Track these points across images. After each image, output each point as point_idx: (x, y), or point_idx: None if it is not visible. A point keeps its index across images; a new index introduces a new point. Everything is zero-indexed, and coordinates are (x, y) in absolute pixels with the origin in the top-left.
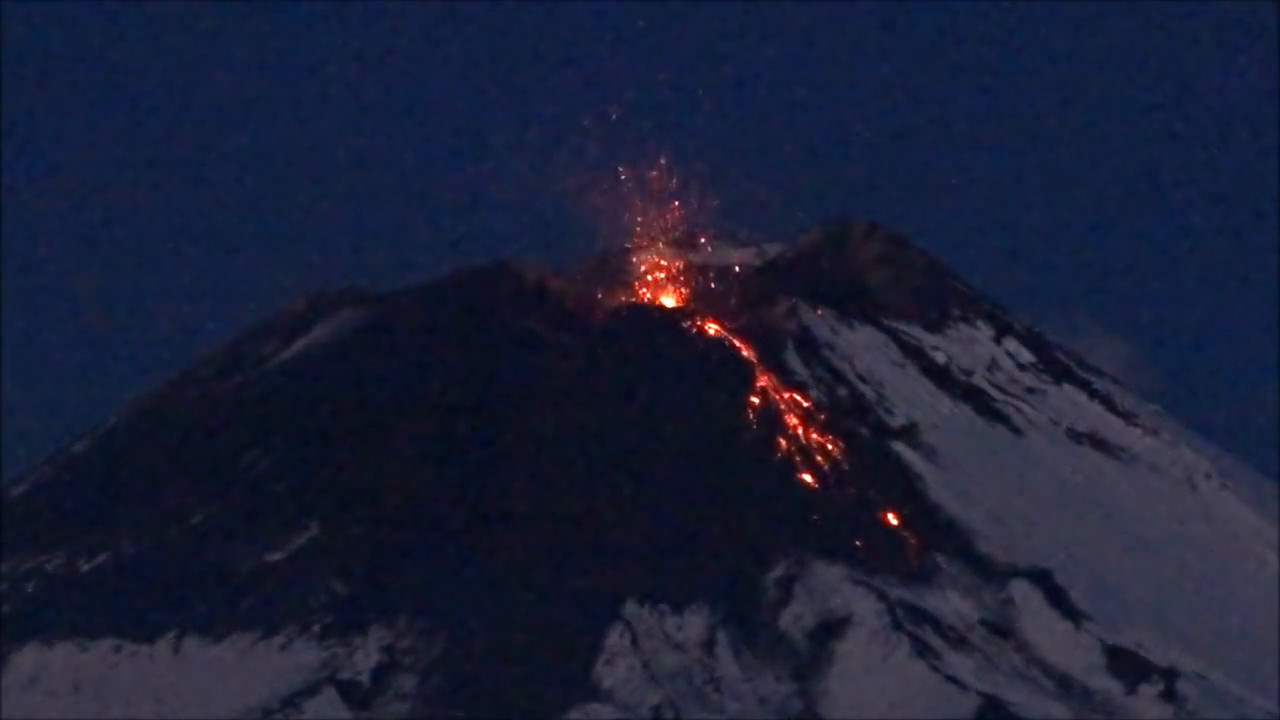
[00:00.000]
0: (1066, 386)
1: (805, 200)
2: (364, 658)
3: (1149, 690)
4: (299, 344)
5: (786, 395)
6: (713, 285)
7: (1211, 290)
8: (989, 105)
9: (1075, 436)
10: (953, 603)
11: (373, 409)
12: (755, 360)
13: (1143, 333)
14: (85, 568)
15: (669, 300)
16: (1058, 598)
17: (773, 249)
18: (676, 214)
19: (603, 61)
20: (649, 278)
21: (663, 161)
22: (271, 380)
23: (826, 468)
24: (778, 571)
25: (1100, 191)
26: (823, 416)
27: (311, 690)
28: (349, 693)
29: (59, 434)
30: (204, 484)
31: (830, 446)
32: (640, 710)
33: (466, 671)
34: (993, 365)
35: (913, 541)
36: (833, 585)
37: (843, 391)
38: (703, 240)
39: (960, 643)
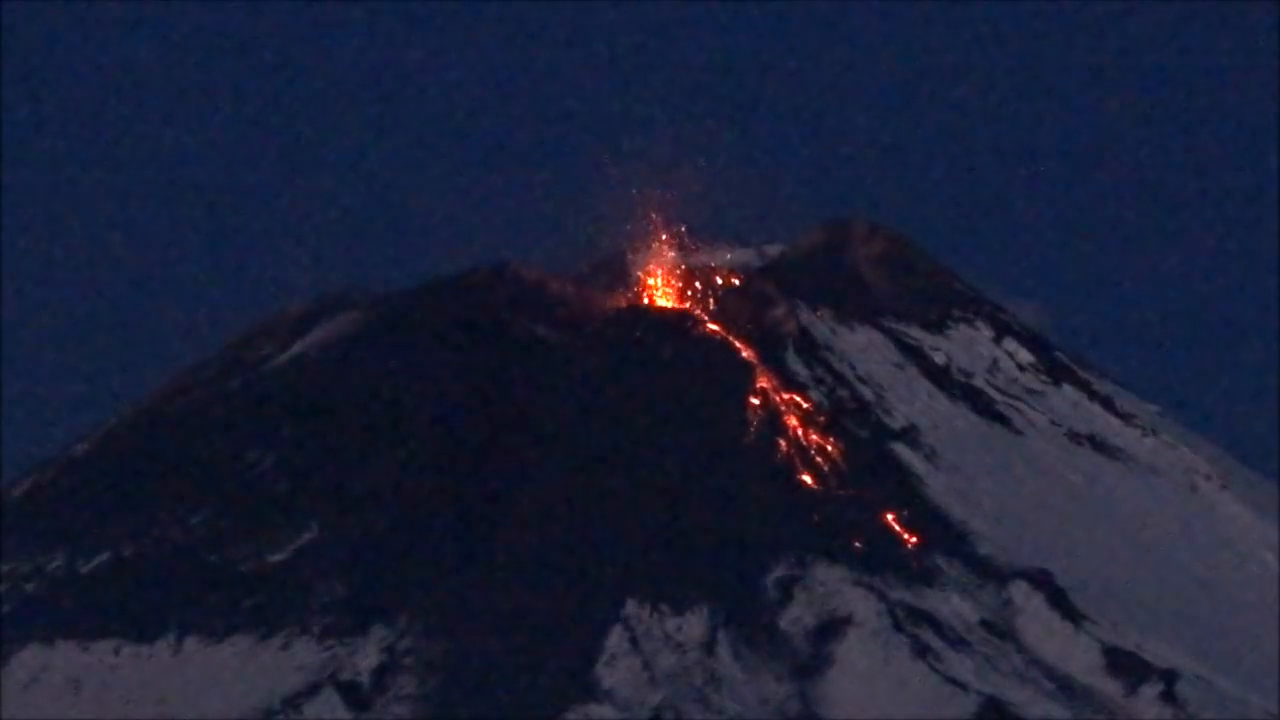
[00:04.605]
0: (1066, 388)
1: (805, 200)
2: (364, 658)
3: (1149, 691)
4: (299, 345)
5: (786, 396)
6: (712, 286)
7: (1212, 292)
8: (990, 105)
9: (1075, 438)
10: (953, 603)
11: (373, 409)
12: (755, 361)
13: (1142, 333)
14: (85, 568)
15: (669, 301)
16: (1058, 598)
17: (773, 249)
18: (676, 214)
19: (603, 62)
20: (649, 279)
21: (663, 162)
22: (271, 380)
23: (826, 468)
24: (778, 571)
25: (1100, 193)
26: (823, 418)
27: (311, 690)
28: (349, 693)
29: (59, 434)
30: (204, 484)
31: (830, 447)
32: (640, 710)
33: (466, 671)
34: (993, 366)
35: (913, 541)
36: (833, 585)
37: (843, 392)
38: (703, 241)
39: (960, 643)
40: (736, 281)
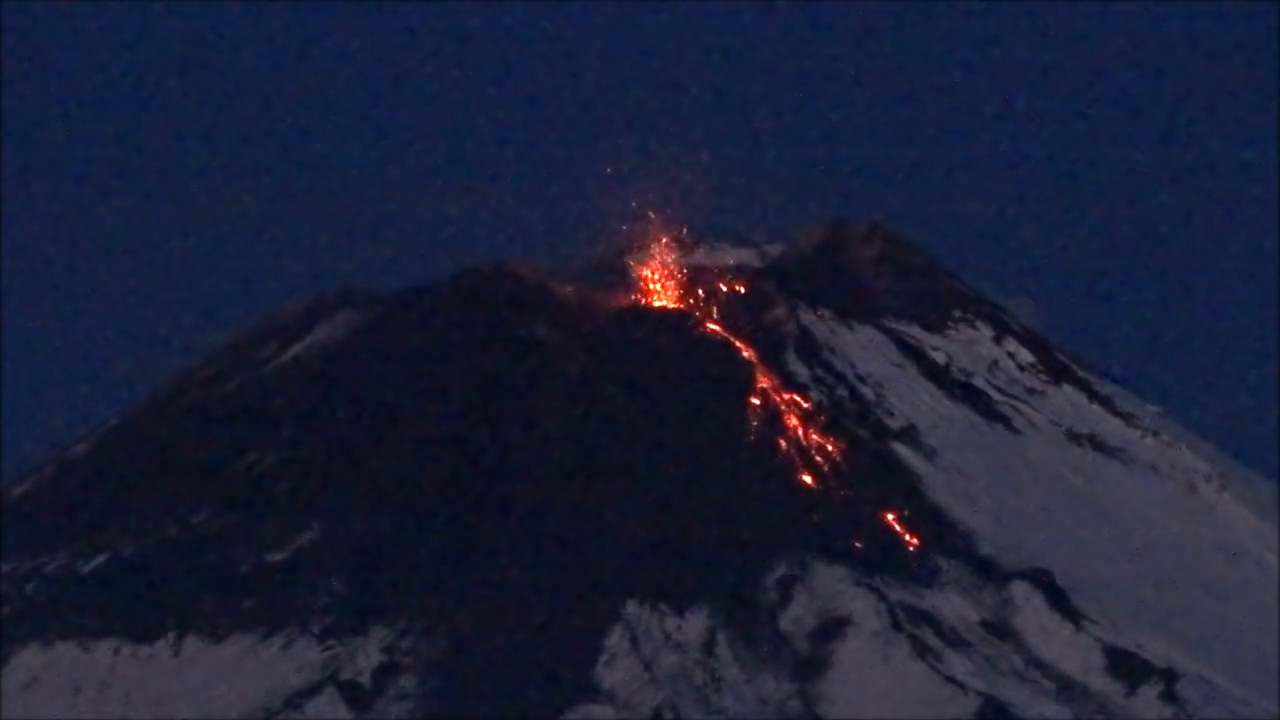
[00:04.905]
0: (1066, 387)
1: (805, 200)
2: (364, 658)
3: (1149, 691)
4: (299, 344)
5: (786, 396)
6: (713, 286)
7: (1212, 292)
8: (990, 105)
9: (1075, 438)
10: (953, 603)
11: (373, 410)
12: (755, 361)
13: (1142, 333)
14: (85, 568)
15: (669, 301)
16: (1058, 599)
17: (773, 249)
18: (676, 214)
19: (603, 62)
20: (649, 279)
21: (663, 162)
22: (271, 380)
23: (826, 468)
24: (778, 571)
25: (1100, 193)
26: (823, 417)
27: (312, 690)
28: (349, 693)
29: (59, 434)
30: (204, 484)
31: (830, 447)
32: (640, 710)
33: (466, 671)
34: (993, 366)
35: (913, 542)
36: (833, 586)
37: (843, 392)
38: (703, 240)
39: (960, 643)
40: (737, 282)
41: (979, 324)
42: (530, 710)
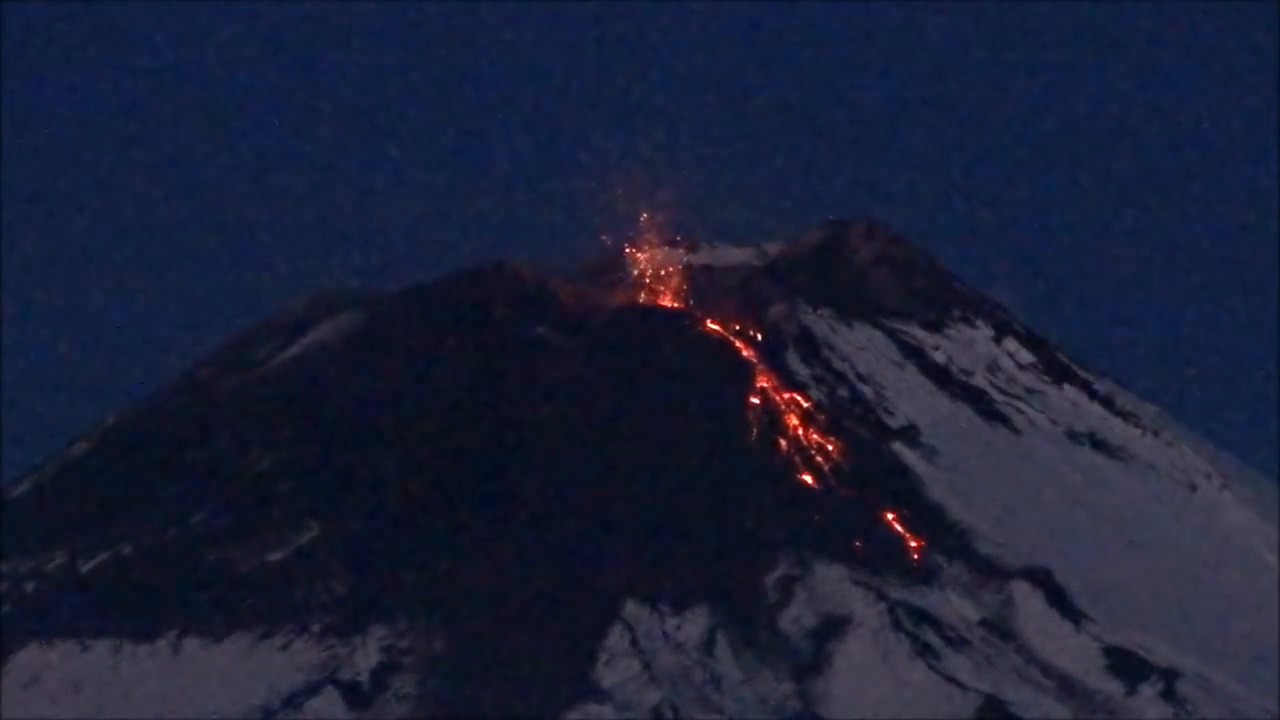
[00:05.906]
0: (1066, 387)
1: (805, 200)
2: (364, 658)
3: (1149, 690)
4: (299, 344)
5: (786, 395)
6: (713, 285)
7: (1212, 291)
8: (991, 105)
9: (1075, 437)
10: (953, 603)
11: (373, 409)
12: (755, 360)
13: (1142, 333)
14: (85, 568)
15: (669, 300)
16: (1058, 598)
17: (773, 249)
18: (676, 214)
19: (602, 62)
20: (649, 278)
21: (664, 162)
22: (271, 380)
23: (826, 468)
24: (778, 571)
25: (1101, 193)
26: (823, 417)
27: (311, 690)
28: (349, 693)
29: (59, 434)
30: (204, 484)
31: (830, 447)
32: (640, 710)
33: (466, 671)
34: (993, 366)
35: (913, 541)
36: (833, 585)
37: (843, 392)
38: (703, 240)
39: (960, 643)
40: (737, 282)
41: (979, 324)
42: (530, 710)
